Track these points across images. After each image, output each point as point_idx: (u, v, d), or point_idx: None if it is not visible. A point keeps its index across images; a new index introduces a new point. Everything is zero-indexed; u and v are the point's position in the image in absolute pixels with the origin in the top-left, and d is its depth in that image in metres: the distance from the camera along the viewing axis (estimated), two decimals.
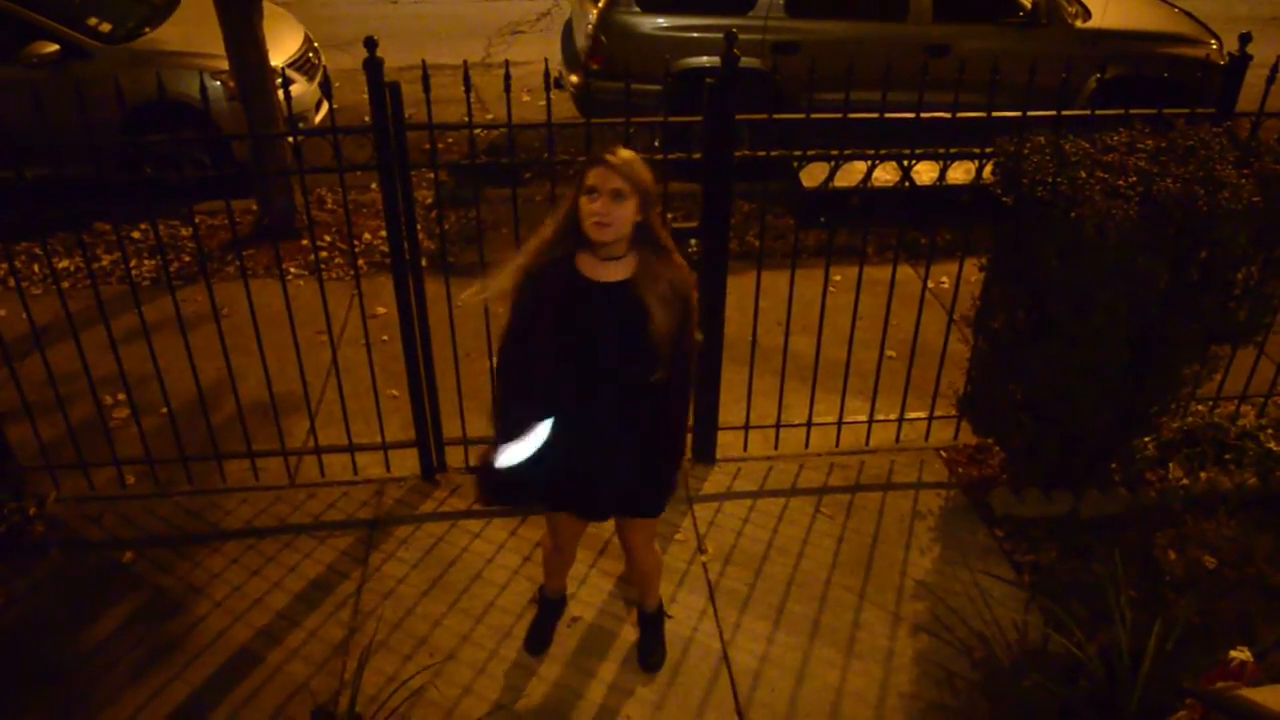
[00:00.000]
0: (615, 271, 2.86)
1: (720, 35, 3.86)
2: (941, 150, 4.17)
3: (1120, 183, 3.62)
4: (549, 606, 3.78)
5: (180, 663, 3.67)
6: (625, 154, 2.78)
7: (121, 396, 4.71)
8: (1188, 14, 7.98)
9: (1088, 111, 4.17)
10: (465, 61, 4.07)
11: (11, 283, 4.82)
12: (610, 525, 3.82)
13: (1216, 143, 3.83)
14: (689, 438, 4.63)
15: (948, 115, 4.01)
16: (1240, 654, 2.94)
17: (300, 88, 7.28)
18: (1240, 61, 4.22)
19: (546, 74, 3.88)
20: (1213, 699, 2.85)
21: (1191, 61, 7.16)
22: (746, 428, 4.66)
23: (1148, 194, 3.56)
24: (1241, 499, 4.39)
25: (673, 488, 3.24)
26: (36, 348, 4.20)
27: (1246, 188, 3.61)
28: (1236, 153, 3.81)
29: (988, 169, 4.08)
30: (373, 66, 3.69)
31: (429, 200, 7.07)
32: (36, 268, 6.30)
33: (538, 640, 3.74)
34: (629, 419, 2.99)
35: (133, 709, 3.51)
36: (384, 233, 4.13)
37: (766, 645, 3.77)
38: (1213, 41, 7.56)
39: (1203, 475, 4.48)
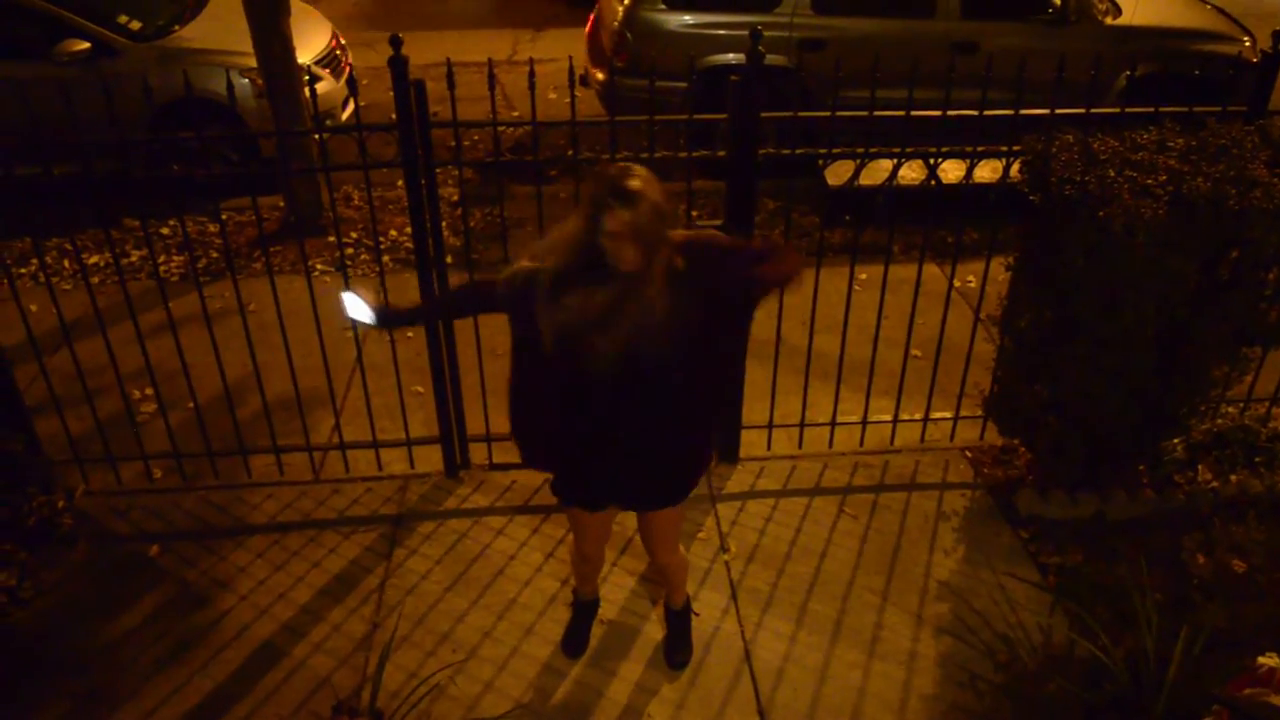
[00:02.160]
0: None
1: (746, 32, 3.84)
2: (968, 149, 4.14)
3: (1150, 181, 3.58)
4: (583, 609, 3.78)
5: (204, 656, 3.70)
6: (635, 186, 2.62)
7: (149, 391, 4.76)
8: (1220, 10, 7.88)
9: (1117, 109, 4.13)
10: (490, 59, 4.07)
11: (42, 278, 4.87)
12: (633, 523, 3.82)
13: (1248, 141, 3.79)
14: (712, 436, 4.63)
15: (975, 113, 3.98)
16: (1269, 660, 2.91)
17: (327, 85, 7.33)
18: (1273, 59, 4.16)
19: (571, 71, 3.88)
20: (1240, 705, 2.82)
21: (1223, 59, 7.07)
22: (770, 427, 4.64)
23: (1178, 193, 3.52)
24: (1272, 502, 4.33)
25: (694, 479, 3.22)
26: (66, 342, 4.24)
27: (1279, 187, 3.56)
28: (1269, 151, 3.76)
29: (1015, 167, 4.04)
30: (398, 65, 3.70)
31: (454, 197, 7.09)
32: (66, 263, 6.37)
33: (575, 643, 3.74)
34: (648, 409, 2.95)
35: (156, 701, 3.54)
36: (409, 229, 4.14)
37: (788, 645, 3.76)
38: (1245, 38, 7.46)
39: (1232, 478, 4.42)
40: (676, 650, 3.69)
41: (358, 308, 3.14)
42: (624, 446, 3.01)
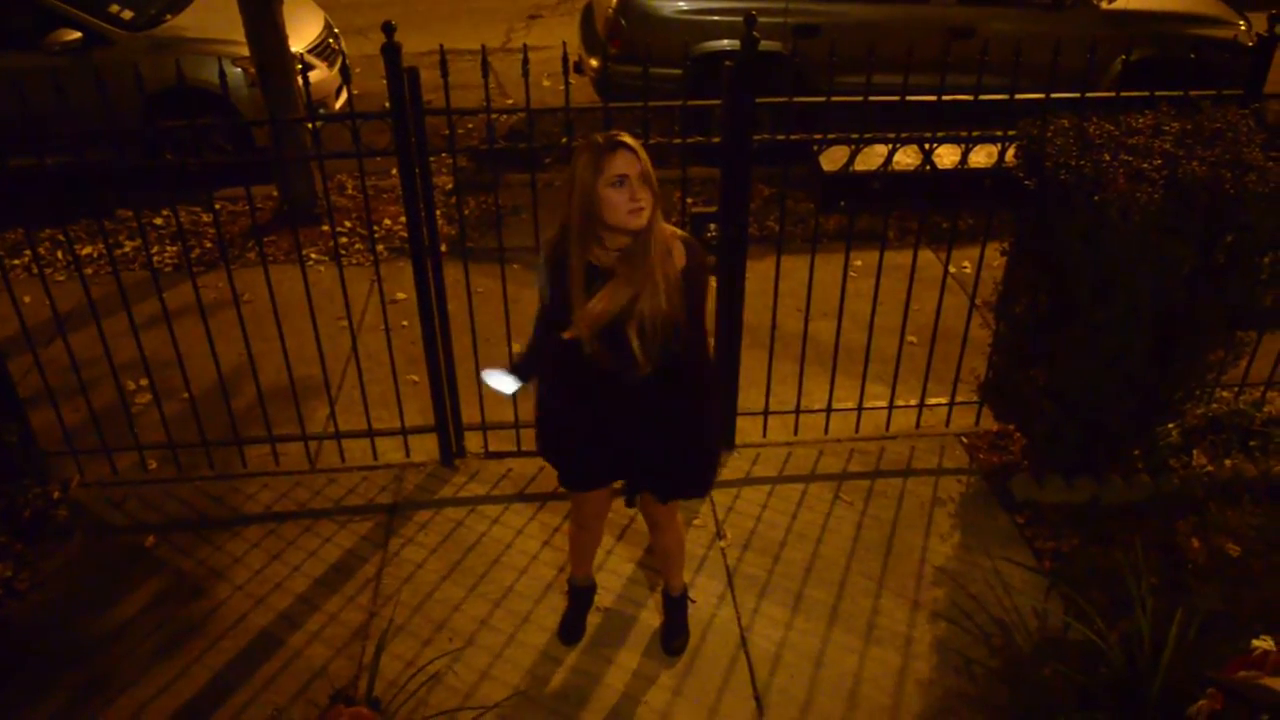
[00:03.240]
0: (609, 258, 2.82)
1: (740, 18, 3.83)
2: (964, 134, 4.13)
3: (1145, 166, 3.57)
4: (579, 595, 3.78)
5: (201, 646, 3.70)
6: (629, 138, 2.72)
7: (144, 382, 4.75)
8: None
9: (1113, 94, 4.12)
10: (484, 46, 4.06)
11: (35, 269, 4.86)
12: (630, 512, 3.82)
13: (1244, 125, 3.78)
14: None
15: (970, 98, 3.97)
16: (1263, 643, 2.91)
17: (320, 73, 7.30)
18: (1268, 43, 4.15)
19: (565, 58, 3.87)
20: (1235, 688, 2.83)
21: (1218, 43, 7.06)
22: (766, 413, 4.64)
23: (1173, 177, 3.52)
24: (1266, 486, 4.34)
25: (712, 469, 3.27)
26: (60, 333, 4.23)
27: (1274, 171, 3.56)
28: (1264, 135, 3.75)
29: (1010, 152, 4.04)
30: (391, 52, 3.69)
31: (449, 186, 7.08)
32: (60, 254, 6.34)
33: (571, 630, 3.74)
34: (654, 400, 2.97)
35: (154, 691, 3.54)
36: (403, 218, 4.13)
37: (785, 631, 3.76)
38: (1240, 22, 7.45)
39: (1227, 462, 4.43)
40: (674, 636, 3.69)
41: (500, 381, 3.10)
42: (648, 426, 3.04)
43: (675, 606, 3.73)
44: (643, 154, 2.70)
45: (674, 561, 3.63)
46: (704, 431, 3.15)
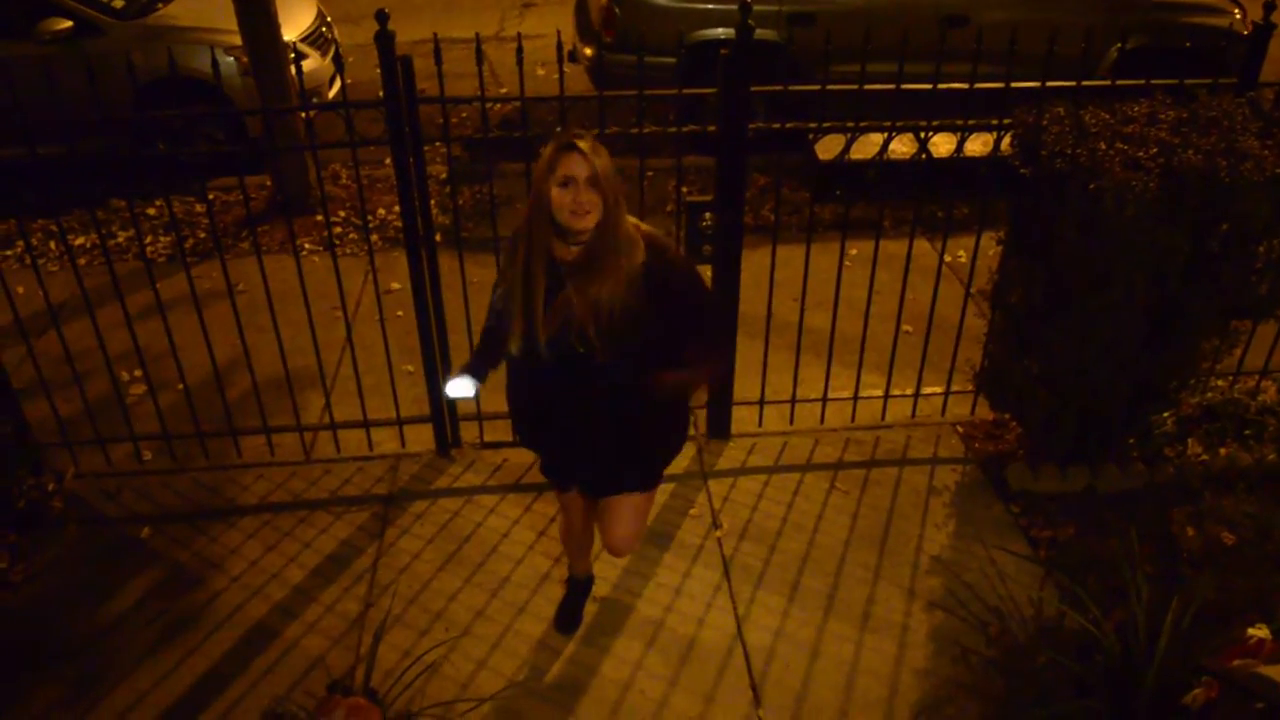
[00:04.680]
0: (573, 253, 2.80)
1: (735, 6, 3.82)
2: (959, 122, 4.12)
3: (1141, 154, 3.56)
4: (577, 586, 3.78)
5: (197, 638, 3.70)
6: (586, 139, 2.69)
7: (138, 373, 4.74)
8: None
9: (1108, 82, 4.12)
10: (478, 35, 4.04)
11: (28, 260, 4.84)
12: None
13: (1239, 114, 3.78)
14: (704, 414, 4.63)
15: (965, 86, 3.96)
16: (1258, 631, 2.93)
17: (313, 63, 7.26)
18: (1264, 31, 4.14)
19: (559, 47, 3.85)
20: (1230, 676, 2.84)
21: (1214, 31, 7.05)
22: (761, 403, 4.64)
23: (1168, 166, 3.51)
24: (1261, 475, 4.35)
25: (663, 463, 3.24)
26: (53, 324, 4.22)
27: (1269, 159, 3.56)
28: (1259, 124, 3.75)
29: (1006, 141, 4.03)
30: (384, 40, 3.67)
31: (443, 175, 7.05)
32: (53, 245, 6.32)
33: (567, 620, 3.74)
34: (600, 398, 2.95)
35: (149, 683, 3.54)
36: (398, 208, 4.11)
37: (781, 621, 3.77)
38: (1236, 11, 7.44)
39: (1222, 451, 4.44)
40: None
41: (459, 388, 3.06)
42: (587, 424, 3.02)
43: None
44: (597, 158, 2.66)
45: (612, 550, 3.48)
46: (654, 441, 3.13)
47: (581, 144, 2.66)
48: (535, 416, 3.14)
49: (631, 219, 2.84)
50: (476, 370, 3.13)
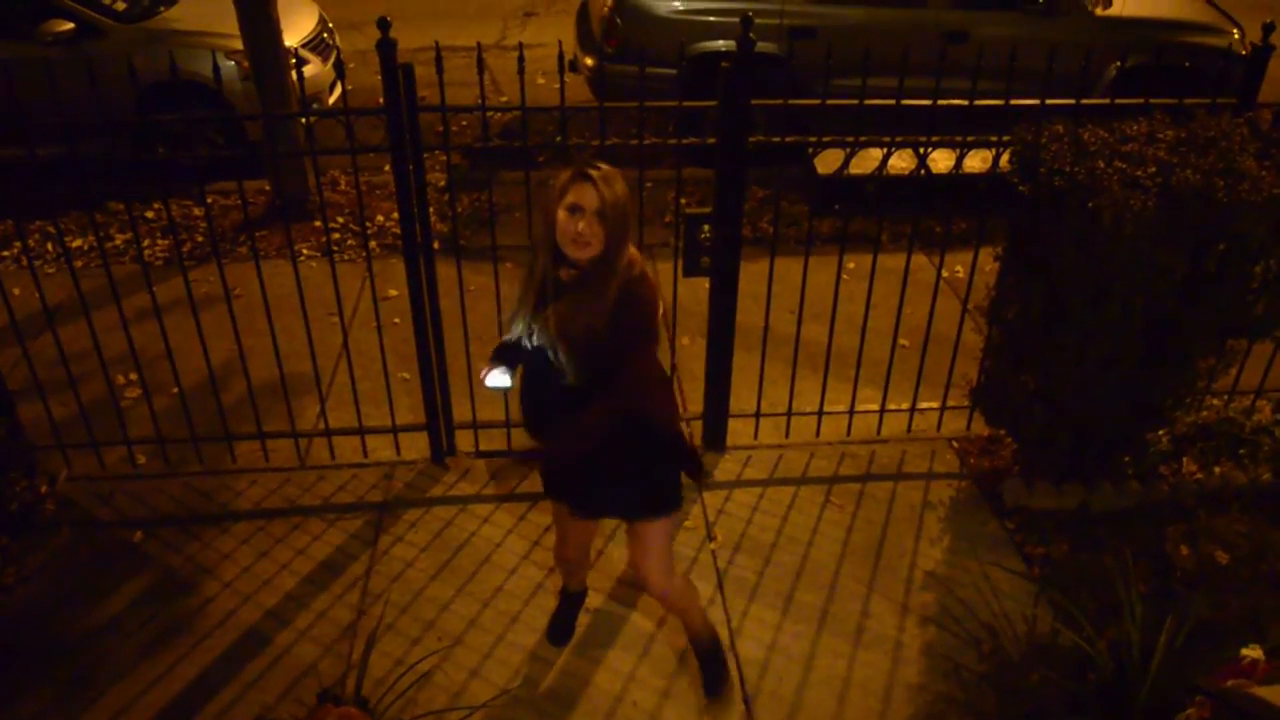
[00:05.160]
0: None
1: (736, 19, 3.82)
2: (958, 138, 4.13)
3: (1139, 173, 3.57)
4: (570, 598, 3.76)
5: (188, 643, 3.68)
6: (606, 169, 2.68)
7: (133, 376, 4.72)
8: (1209, 2, 7.89)
9: (1107, 100, 4.13)
10: (479, 43, 4.04)
11: (25, 261, 4.83)
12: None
13: (1237, 134, 3.78)
14: (699, 425, 4.62)
15: (965, 103, 3.97)
16: (1252, 651, 2.92)
17: (314, 68, 7.26)
18: (1263, 51, 4.16)
19: (560, 57, 3.86)
20: (1223, 696, 2.84)
21: (1213, 51, 7.08)
22: (758, 415, 4.64)
23: (1167, 185, 3.52)
24: (1256, 494, 4.35)
25: (668, 486, 3.12)
26: (49, 327, 4.21)
27: (1267, 179, 3.57)
28: (1258, 144, 3.76)
29: (1005, 158, 4.04)
30: (386, 48, 3.67)
31: (442, 182, 7.06)
32: (50, 246, 6.31)
33: (560, 631, 3.73)
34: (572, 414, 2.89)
35: (140, 688, 3.52)
36: (396, 215, 4.11)
37: (774, 634, 3.76)
38: (1234, 30, 7.48)
39: (1217, 470, 4.45)
40: (715, 683, 3.52)
41: (497, 378, 3.03)
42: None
43: (710, 656, 3.52)
44: (611, 190, 2.65)
45: (679, 611, 3.42)
46: (645, 450, 3.05)
47: (595, 174, 2.65)
48: (533, 422, 3.11)
49: (634, 250, 2.82)
50: (510, 360, 3.07)
